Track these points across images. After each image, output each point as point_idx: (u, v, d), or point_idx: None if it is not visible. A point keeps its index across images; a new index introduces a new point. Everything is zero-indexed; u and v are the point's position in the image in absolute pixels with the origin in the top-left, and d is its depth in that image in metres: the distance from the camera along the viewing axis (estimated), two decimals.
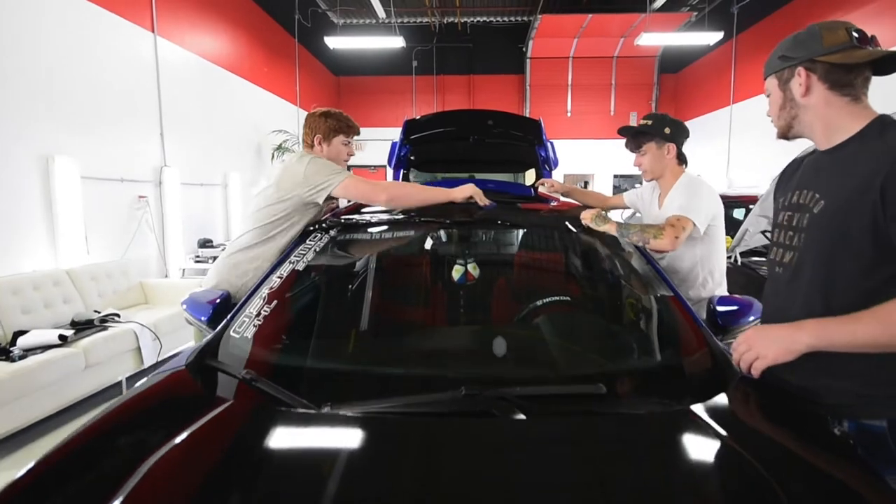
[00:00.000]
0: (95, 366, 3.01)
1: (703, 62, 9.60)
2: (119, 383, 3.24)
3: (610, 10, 8.48)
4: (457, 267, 1.65)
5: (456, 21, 9.60)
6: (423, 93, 10.96)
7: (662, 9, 7.97)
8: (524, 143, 3.14)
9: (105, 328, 3.24)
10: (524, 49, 10.50)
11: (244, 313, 1.35)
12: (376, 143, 10.43)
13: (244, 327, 1.29)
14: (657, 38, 7.81)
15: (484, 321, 1.59)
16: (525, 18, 9.46)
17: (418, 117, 2.94)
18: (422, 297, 1.76)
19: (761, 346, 0.98)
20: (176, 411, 0.98)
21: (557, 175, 3.11)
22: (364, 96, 11.13)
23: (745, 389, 1.05)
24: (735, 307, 1.43)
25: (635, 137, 1.80)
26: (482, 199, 1.69)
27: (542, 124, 3.08)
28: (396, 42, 7.85)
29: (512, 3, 9.07)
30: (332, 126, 1.88)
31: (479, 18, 9.63)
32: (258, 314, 1.33)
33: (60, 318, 3.32)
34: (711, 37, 7.46)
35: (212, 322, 1.48)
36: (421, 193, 1.78)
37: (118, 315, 3.45)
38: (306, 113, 1.97)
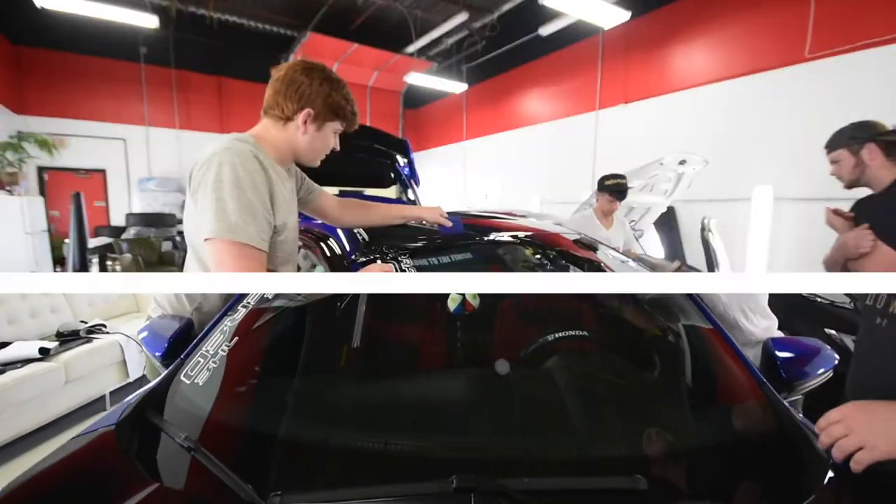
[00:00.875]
0: (77, 380, 2.83)
1: (440, 104, 11.68)
2: (103, 398, 3.01)
3: (374, 44, 9.23)
4: (453, 296, 1.30)
5: (206, 14, 8.39)
6: (157, 87, 8.98)
7: (418, 53, 9.32)
8: (387, 159, 3.33)
9: (90, 340, 3.09)
10: (284, 62, 10.09)
11: (199, 352, 1.10)
12: (93, 141, 7.94)
13: (197, 370, 1.03)
14: (420, 79, 9.09)
15: (484, 381, 1.15)
16: (291, 33, 9.17)
17: None
18: (416, 344, 1.36)
19: (868, 431, 0.72)
20: (83, 498, 0.76)
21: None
22: (67, 78, 8.22)
23: (842, 490, 0.76)
24: (798, 353, 1.13)
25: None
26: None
27: (409, 143, 3.35)
28: (112, 13, 6.22)
29: (279, 13, 8.66)
30: (335, 104, 1.19)
31: (233, 18, 8.71)
32: (215, 353, 1.07)
33: (46, 329, 3.18)
34: (459, 86, 9.25)
35: (166, 359, 1.23)
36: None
37: (104, 326, 3.31)
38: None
